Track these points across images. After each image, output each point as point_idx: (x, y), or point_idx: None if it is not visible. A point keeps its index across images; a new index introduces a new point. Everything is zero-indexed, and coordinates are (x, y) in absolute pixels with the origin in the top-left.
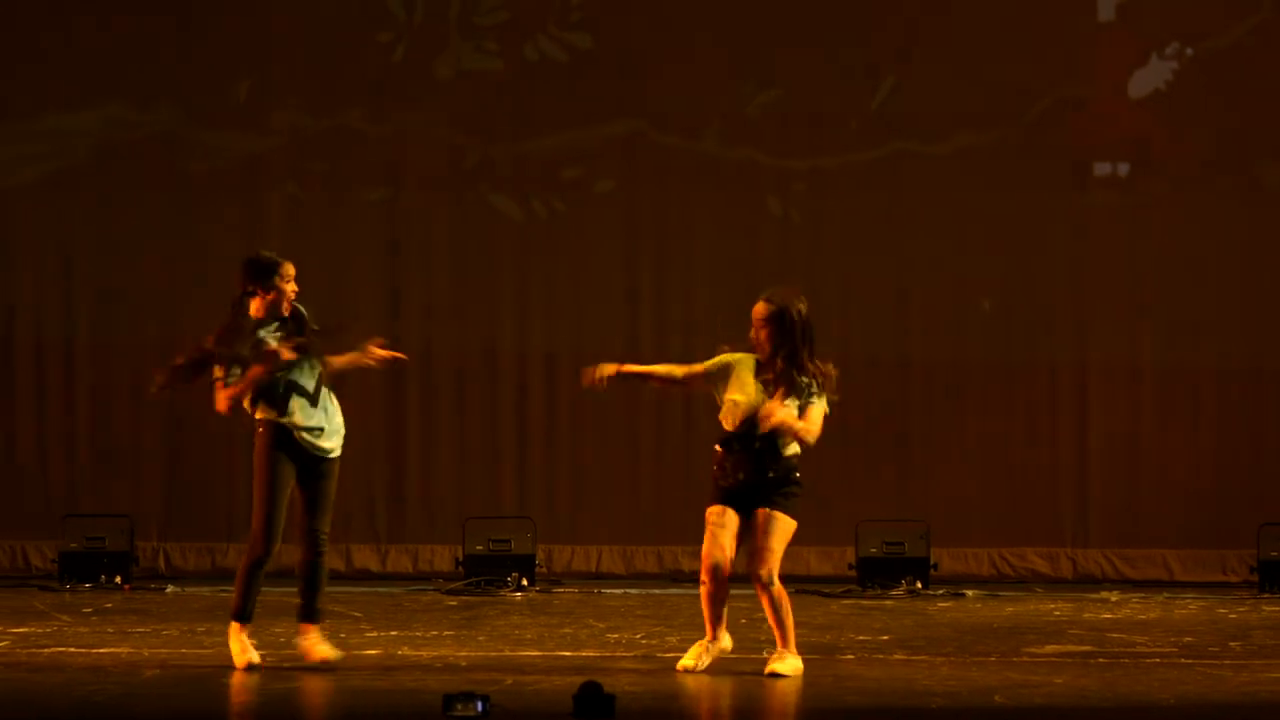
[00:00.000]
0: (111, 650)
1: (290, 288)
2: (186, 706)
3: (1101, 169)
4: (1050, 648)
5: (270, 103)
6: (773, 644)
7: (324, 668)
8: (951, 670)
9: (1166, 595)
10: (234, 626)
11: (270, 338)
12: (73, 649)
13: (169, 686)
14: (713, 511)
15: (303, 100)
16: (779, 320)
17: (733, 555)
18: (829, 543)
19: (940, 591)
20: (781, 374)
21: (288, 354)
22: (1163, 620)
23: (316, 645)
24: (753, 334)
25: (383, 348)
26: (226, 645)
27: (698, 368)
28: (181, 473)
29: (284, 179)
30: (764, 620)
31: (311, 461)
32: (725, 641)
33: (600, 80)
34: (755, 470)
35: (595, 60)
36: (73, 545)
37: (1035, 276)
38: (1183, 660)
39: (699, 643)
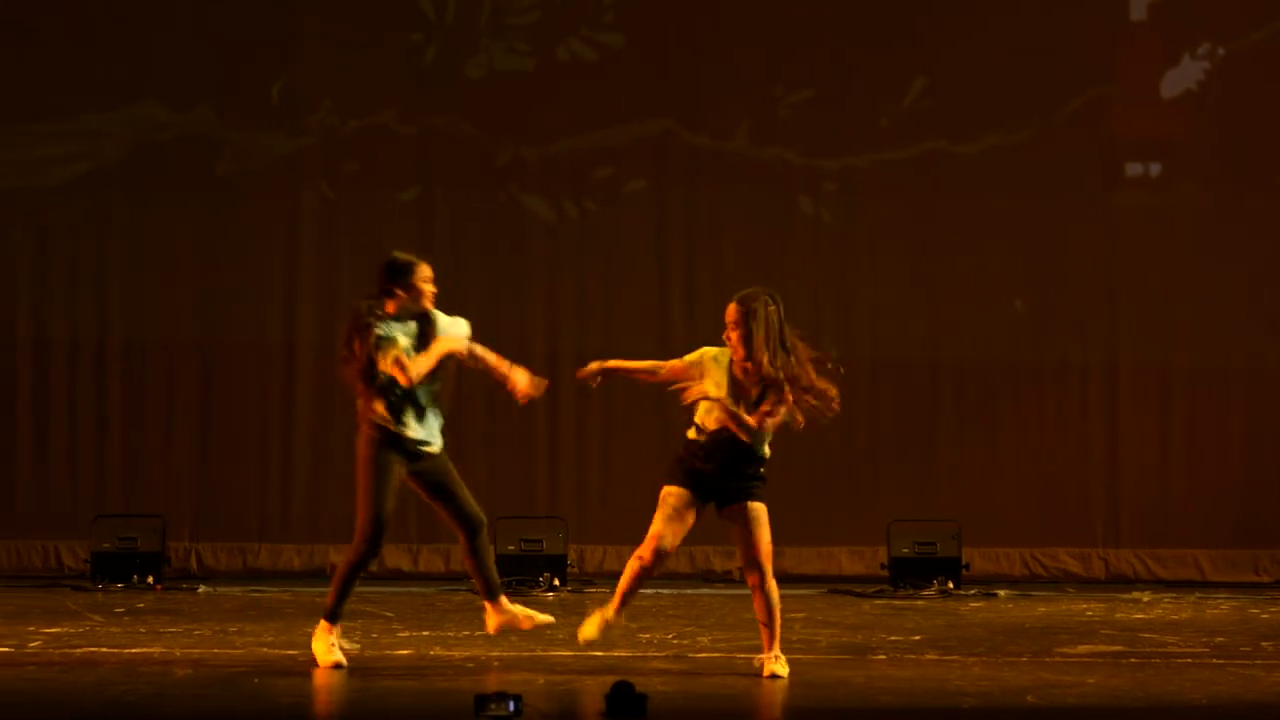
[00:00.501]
0: (144, 650)
1: (429, 288)
2: (218, 706)
3: (1133, 169)
4: (1082, 648)
5: (302, 104)
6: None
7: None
8: (984, 670)
9: (1198, 595)
10: (323, 625)
11: (403, 337)
12: (105, 649)
13: (201, 686)
14: (672, 493)
15: (334, 101)
16: (747, 321)
17: (676, 545)
18: (861, 543)
19: (972, 591)
20: (758, 377)
21: (398, 374)
22: (1194, 620)
23: (521, 614)
24: (725, 335)
25: (535, 387)
26: (257, 642)
27: (678, 362)
28: (213, 473)
29: (316, 179)
30: (802, 624)
31: (418, 459)
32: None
33: (631, 80)
34: (724, 464)
35: (626, 60)
36: (105, 545)
37: (1066, 277)
38: (1215, 660)
39: (600, 613)
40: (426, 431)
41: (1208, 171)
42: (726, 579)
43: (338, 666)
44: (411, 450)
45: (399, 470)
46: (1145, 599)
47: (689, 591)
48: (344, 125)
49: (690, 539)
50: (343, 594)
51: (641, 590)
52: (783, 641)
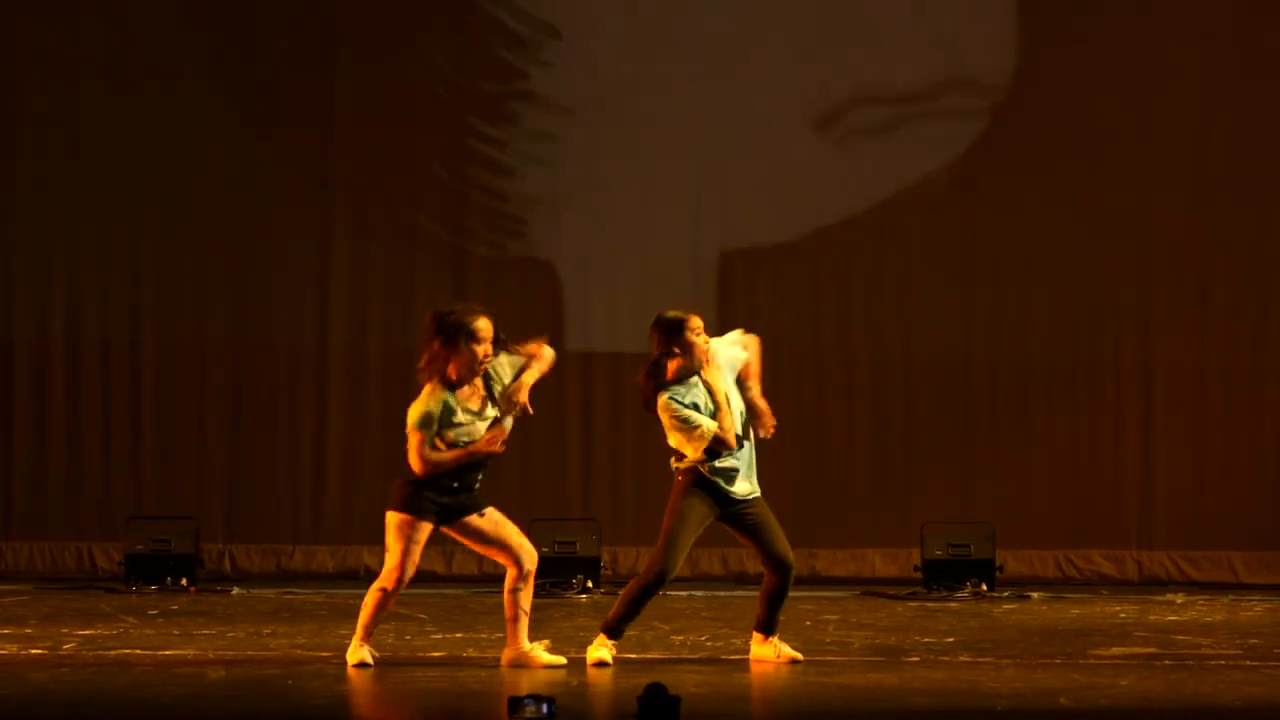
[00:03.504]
0: (177, 652)
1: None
2: (252, 708)
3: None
4: (1115, 650)
5: (338, 106)
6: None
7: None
8: (1017, 672)
9: (1232, 597)
10: (601, 638)
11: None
12: (139, 651)
13: (234, 688)
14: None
15: (366, 105)
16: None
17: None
18: (894, 545)
19: (1005, 593)
20: None
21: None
22: (1228, 622)
23: (779, 649)
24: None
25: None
26: (291, 644)
27: None
28: (246, 474)
29: (351, 182)
30: (835, 626)
31: (732, 504)
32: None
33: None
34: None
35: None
36: (139, 547)
37: (1100, 276)
38: (1248, 662)
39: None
40: (733, 460)
41: (1237, 171)
42: (759, 581)
43: (600, 664)
44: (722, 487)
45: (705, 512)
46: (1179, 601)
47: (722, 594)
48: (376, 130)
49: (724, 541)
50: (626, 614)
51: (676, 592)
52: (815, 644)
